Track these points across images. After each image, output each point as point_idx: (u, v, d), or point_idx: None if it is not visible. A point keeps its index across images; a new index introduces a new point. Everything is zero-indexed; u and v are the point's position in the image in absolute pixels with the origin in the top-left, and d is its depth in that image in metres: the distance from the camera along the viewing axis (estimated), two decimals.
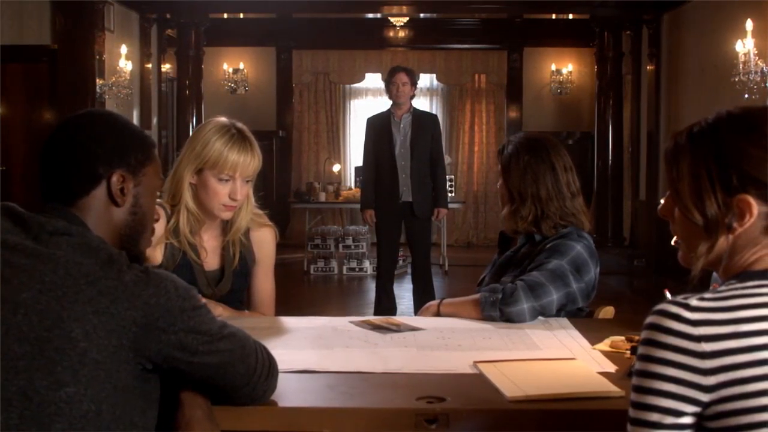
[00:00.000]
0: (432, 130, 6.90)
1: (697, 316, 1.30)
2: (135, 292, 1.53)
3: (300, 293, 9.38)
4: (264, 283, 2.96)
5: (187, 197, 2.76)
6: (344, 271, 10.03)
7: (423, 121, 6.92)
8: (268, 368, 1.76)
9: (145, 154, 1.75)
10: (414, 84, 6.88)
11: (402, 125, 6.86)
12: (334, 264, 10.05)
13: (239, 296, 2.93)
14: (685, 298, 1.34)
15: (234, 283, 2.87)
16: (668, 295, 2.18)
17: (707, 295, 1.34)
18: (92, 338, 1.49)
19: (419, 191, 6.84)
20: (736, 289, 1.35)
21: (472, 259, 10.92)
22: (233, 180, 2.72)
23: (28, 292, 1.50)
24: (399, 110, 6.86)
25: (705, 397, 1.28)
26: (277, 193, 12.63)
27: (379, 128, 6.92)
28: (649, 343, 1.33)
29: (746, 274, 1.38)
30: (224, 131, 2.71)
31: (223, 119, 2.77)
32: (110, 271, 1.54)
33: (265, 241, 2.94)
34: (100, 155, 1.68)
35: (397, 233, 7.02)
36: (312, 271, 10.07)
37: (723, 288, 1.37)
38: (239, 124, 2.77)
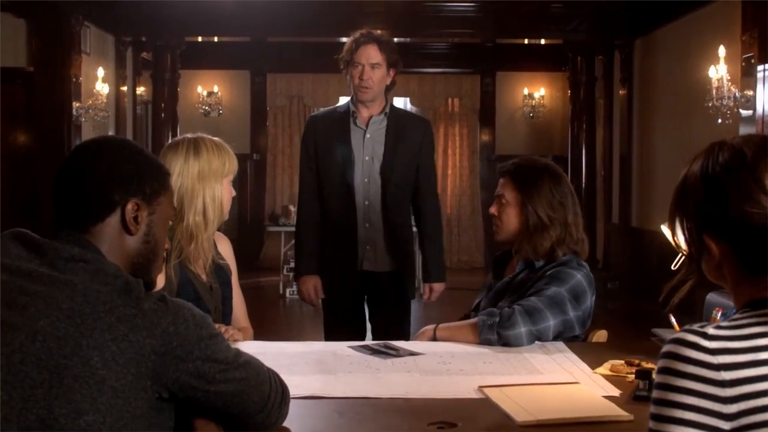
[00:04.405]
0: (420, 146, 3.88)
1: (715, 344, 1.32)
2: (154, 321, 1.53)
3: (275, 316, 9.35)
4: (237, 291, 2.99)
5: (193, 212, 2.77)
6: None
7: (407, 128, 3.87)
8: (281, 395, 1.77)
9: (160, 183, 1.75)
10: (393, 66, 3.83)
11: (369, 135, 3.83)
12: None
13: (231, 305, 2.95)
14: (702, 327, 1.35)
15: (224, 292, 2.89)
16: (673, 320, 2.22)
17: (723, 324, 1.36)
18: (111, 366, 1.49)
19: (400, 251, 3.91)
20: (752, 316, 1.37)
21: (446, 282, 10.91)
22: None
23: (46, 319, 1.49)
24: (365, 109, 3.84)
25: (726, 425, 1.30)
26: (252, 216, 12.64)
27: (327, 137, 3.85)
28: (668, 372, 1.34)
29: (761, 302, 1.40)
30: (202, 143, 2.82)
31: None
32: (128, 299, 1.54)
33: (229, 249, 3.02)
34: (116, 182, 1.67)
35: (357, 321, 3.95)
36: (288, 295, 10.02)
37: (738, 316, 1.39)
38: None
